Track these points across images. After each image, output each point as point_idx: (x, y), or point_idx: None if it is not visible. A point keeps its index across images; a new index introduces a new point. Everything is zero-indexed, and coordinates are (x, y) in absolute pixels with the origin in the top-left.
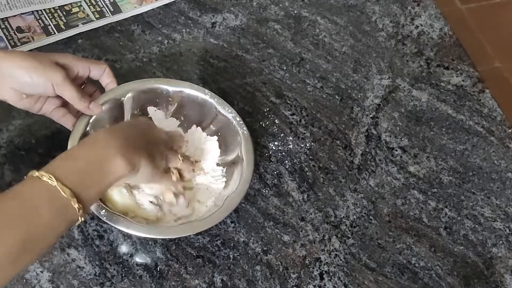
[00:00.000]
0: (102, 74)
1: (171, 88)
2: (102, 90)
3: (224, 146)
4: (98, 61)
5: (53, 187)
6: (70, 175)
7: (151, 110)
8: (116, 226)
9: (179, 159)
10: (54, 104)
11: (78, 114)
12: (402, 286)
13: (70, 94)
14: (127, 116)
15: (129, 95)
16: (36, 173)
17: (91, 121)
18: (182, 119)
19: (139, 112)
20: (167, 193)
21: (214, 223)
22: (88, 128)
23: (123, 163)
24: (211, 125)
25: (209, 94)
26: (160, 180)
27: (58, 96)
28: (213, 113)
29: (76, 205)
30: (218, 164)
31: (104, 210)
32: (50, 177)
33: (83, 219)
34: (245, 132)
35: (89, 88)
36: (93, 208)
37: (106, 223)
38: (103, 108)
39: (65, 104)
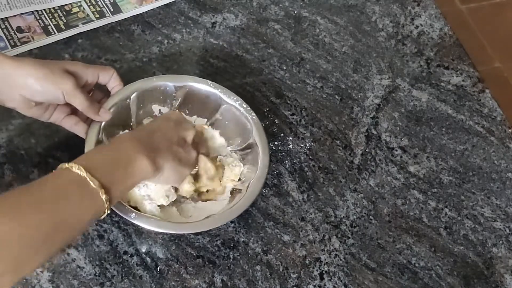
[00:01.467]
0: (110, 79)
1: (174, 84)
2: (108, 95)
3: (235, 135)
4: (105, 67)
5: (83, 178)
6: (99, 168)
7: (155, 108)
8: (148, 227)
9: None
10: (64, 112)
11: (88, 121)
12: (402, 286)
13: (80, 102)
14: (133, 116)
15: (134, 95)
16: (66, 165)
17: (102, 126)
18: (188, 112)
19: (144, 112)
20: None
21: (245, 208)
22: (100, 134)
23: (148, 164)
24: (217, 115)
25: (212, 84)
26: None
27: (67, 104)
28: (219, 103)
29: (103, 196)
30: (232, 152)
31: (134, 214)
32: (79, 168)
33: (108, 211)
34: (254, 117)
35: (97, 94)
36: (121, 212)
37: (108, 222)
38: (111, 113)
39: (74, 111)
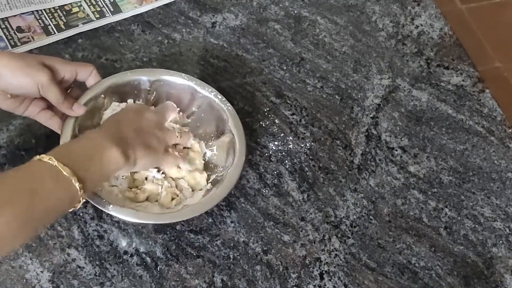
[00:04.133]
0: (89, 76)
1: (148, 78)
2: None
3: (211, 126)
4: (85, 64)
5: (54, 166)
6: (70, 157)
7: (130, 103)
8: (126, 219)
9: (177, 135)
10: (39, 106)
11: (64, 116)
12: (402, 286)
13: (54, 96)
14: (109, 111)
15: (109, 90)
16: (37, 157)
17: (76, 121)
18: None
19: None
20: (170, 168)
21: (223, 197)
22: (75, 129)
23: (118, 154)
24: (193, 107)
25: (186, 77)
26: (163, 160)
27: (43, 98)
28: (194, 95)
29: (76, 184)
30: (208, 145)
31: (111, 205)
32: (50, 158)
33: (83, 199)
34: (229, 108)
35: (75, 91)
36: (99, 205)
37: (108, 222)
38: (86, 108)
39: (50, 106)
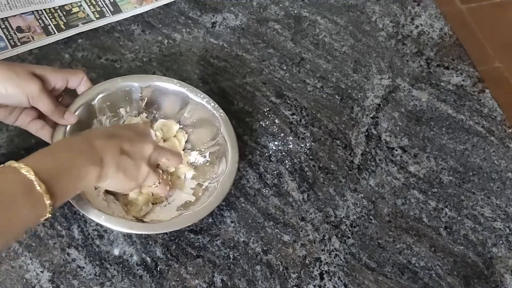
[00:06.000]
0: (80, 83)
1: (139, 84)
2: None
3: (203, 132)
4: (76, 71)
5: (30, 180)
6: (47, 171)
7: (122, 111)
8: (120, 229)
9: (156, 183)
10: (30, 116)
11: (56, 125)
12: (402, 286)
13: (45, 106)
14: (100, 118)
15: (100, 97)
16: (15, 164)
17: (67, 130)
18: (155, 112)
19: (111, 113)
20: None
21: (216, 205)
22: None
23: (94, 175)
24: (186, 114)
25: (178, 83)
26: (131, 190)
27: (34, 108)
28: (186, 102)
29: (48, 201)
30: (201, 151)
31: (103, 216)
32: (28, 170)
33: (50, 215)
34: (222, 114)
35: (66, 99)
36: (92, 216)
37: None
38: (77, 116)
39: (42, 115)
